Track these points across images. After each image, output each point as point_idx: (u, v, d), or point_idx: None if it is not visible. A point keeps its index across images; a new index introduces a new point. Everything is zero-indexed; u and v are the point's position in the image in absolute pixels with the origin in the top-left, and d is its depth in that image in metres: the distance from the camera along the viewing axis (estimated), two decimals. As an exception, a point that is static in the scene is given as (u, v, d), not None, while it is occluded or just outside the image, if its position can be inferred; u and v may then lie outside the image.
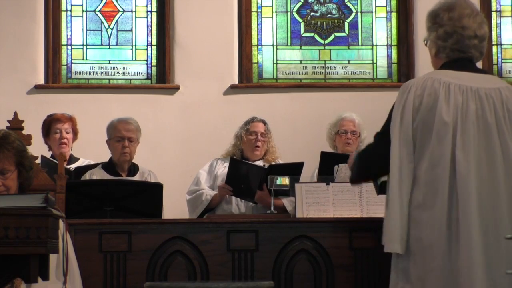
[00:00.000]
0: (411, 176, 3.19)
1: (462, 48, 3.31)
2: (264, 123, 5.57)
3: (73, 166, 5.51)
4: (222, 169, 5.43)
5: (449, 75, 3.28)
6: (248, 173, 5.18)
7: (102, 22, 6.87)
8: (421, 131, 3.20)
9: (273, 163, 5.42)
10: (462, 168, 3.13)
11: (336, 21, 7.03)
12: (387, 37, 6.99)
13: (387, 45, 6.98)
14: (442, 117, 3.17)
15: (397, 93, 3.31)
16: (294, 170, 5.08)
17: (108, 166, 5.36)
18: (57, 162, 5.30)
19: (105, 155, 5.47)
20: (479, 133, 3.19)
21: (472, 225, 3.09)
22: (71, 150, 5.67)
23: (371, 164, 3.37)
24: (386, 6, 7.02)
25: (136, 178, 5.32)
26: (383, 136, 3.31)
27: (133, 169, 5.37)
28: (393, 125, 3.23)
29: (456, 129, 3.17)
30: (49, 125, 5.60)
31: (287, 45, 6.97)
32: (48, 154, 5.60)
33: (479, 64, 3.48)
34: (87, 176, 5.27)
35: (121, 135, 5.30)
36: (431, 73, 3.35)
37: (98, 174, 5.30)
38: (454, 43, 3.32)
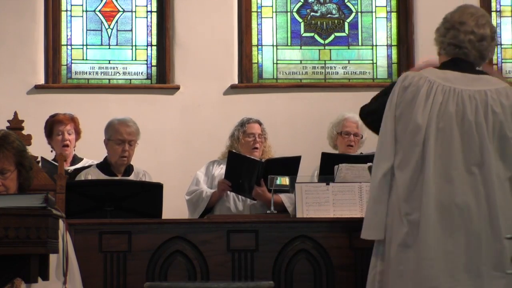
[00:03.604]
0: (390, 165, 3.30)
1: (458, 42, 3.37)
2: (260, 123, 5.55)
3: (74, 167, 5.51)
4: (219, 170, 5.42)
5: (438, 74, 3.33)
6: (246, 166, 5.16)
7: (102, 22, 6.87)
8: (401, 127, 3.31)
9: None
10: (427, 170, 3.17)
11: (336, 21, 7.03)
12: (387, 37, 6.98)
13: (387, 45, 6.98)
14: (416, 118, 3.24)
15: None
16: (291, 164, 5.08)
17: (104, 166, 5.34)
18: (55, 163, 5.32)
19: (105, 155, 5.46)
20: (457, 134, 3.23)
21: (430, 226, 3.16)
22: (74, 150, 5.67)
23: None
24: (386, 6, 7.02)
25: (131, 178, 5.29)
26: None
27: (128, 169, 5.35)
28: (385, 112, 3.32)
29: (430, 130, 3.22)
30: (52, 127, 5.59)
31: (287, 45, 6.97)
32: (51, 155, 5.61)
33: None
34: (82, 176, 5.26)
35: (122, 138, 5.27)
36: (425, 70, 3.42)
37: (94, 174, 5.28)
38: (451, 37, 3.39)
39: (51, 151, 5.65)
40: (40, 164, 5.24)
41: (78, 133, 5.65)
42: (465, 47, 3.37)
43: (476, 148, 3.21)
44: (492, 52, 3.44)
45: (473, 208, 3.17)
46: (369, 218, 3.34)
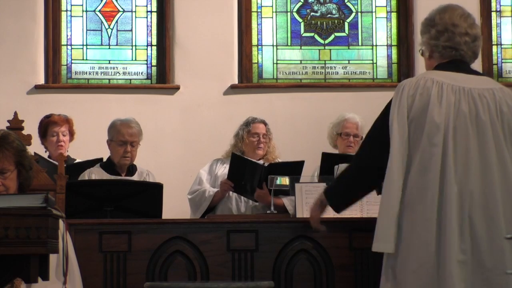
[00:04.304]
0: (402, 177, 3.22)
1: (454, 45, 3.37)
2: (265, 123, 5.56)
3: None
4: (223, 169, 5.43)
5: (443, 75, 3.32)
6: (248, 169, 5.17)
7: (102, 22, 6.88)
8: (413, 132, 3.24)
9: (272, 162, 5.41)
10: (451, 171, 3.15)
11: (336, 21, 7.03)
12: (387, 37, 6.99)
13: (387, 45, 6.98)
14: (433, 118, 3.21)
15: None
16: (294, 168, 5.07)
17: (107, 166, 5.35)
18: (52, 161, 5.33)
19: (105, 156, 5.46)
20: (472, 133, 3.22)
21: (453, 228, 3.12)
22: (67, 151, 5.67)
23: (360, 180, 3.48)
24: (386, 6, 7.02)
25: (135, 178, 5.31)
26: (368, 144, 3.41)
27: (132, 169, 5.37)
28: (392, 124, 3.26)
29: (448, 130, 3.20)
30: (46, 128, 5.59)
31: (287, 45, 6.97)
32: (45, 156, 5.60)
33: (478, 64, 3.51)
34: (85, 175, 5.27)
35: (124, 139, 5.29)
36: (425, 73, 3.41)
37: (97, 174, 5.29)
38: (446, 40, 3.37)
39: (45, 152, 5.65)
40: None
41: (72, 134, 5.66)
42: (462, 49, 3.37)
43: (492, 147, 3.20)
44: (479, 50, 3.45)
45: (494, 207, 3.16)
46: (385, 230, 3.24)
